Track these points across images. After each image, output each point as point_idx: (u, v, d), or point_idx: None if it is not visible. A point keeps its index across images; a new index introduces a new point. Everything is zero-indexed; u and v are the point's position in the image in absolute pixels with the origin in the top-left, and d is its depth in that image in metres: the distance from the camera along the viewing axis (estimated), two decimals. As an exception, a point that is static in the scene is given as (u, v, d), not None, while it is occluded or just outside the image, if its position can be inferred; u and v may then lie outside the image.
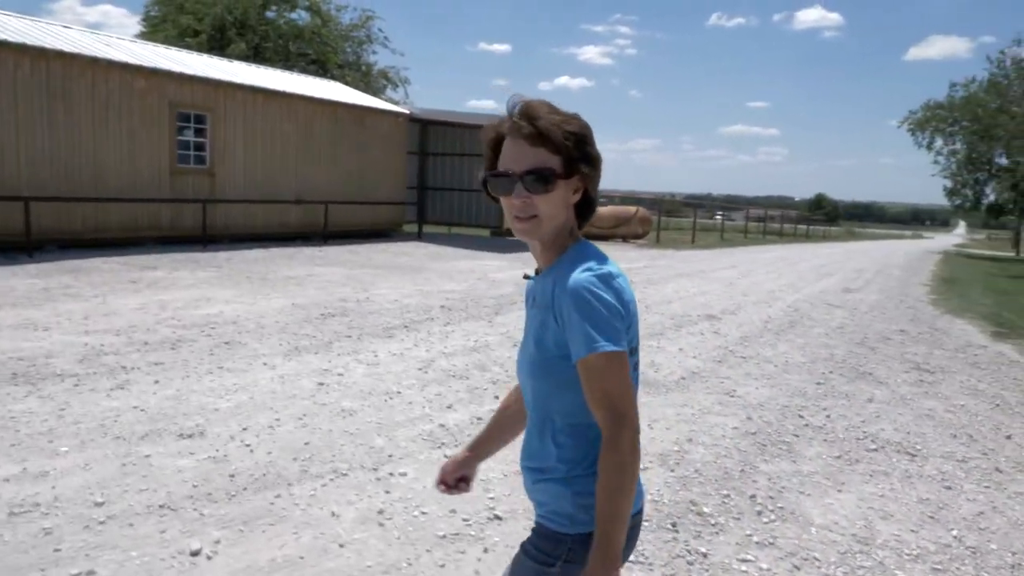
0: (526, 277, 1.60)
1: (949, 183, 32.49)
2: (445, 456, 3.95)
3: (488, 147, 1.50)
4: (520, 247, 18.47)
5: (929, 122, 31.41)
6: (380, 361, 6.06)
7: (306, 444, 4.08)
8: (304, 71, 22.52)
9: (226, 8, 24.45)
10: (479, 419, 4.66)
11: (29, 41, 11.21)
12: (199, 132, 13.82)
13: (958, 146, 31.60)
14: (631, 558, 1.29)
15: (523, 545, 1.52)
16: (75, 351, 5.96)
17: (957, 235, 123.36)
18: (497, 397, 5.20)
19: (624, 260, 16.92)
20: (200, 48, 21.51)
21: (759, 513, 3.49)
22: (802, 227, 47.86)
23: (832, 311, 10.22)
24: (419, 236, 20.01)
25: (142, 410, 4.52)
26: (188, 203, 13.54)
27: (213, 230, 14.00)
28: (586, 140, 1.44)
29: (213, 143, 13.99)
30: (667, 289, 11.79)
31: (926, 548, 3.23)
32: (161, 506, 3.25)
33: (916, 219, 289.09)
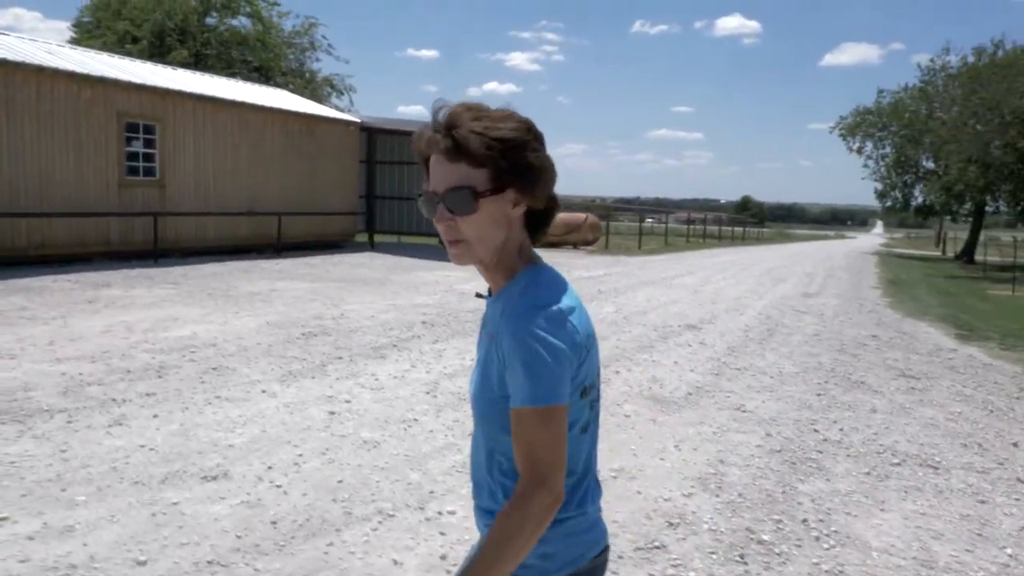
0: (478, 296, 1.44)
1: (879, 185, 33.88)
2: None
3: (422, 162, 1.32)
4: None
5: (859, 127, 32.72)
6: (383, 385, 5.88)
7: (340, 482, 3.89)
8: (247, 79, 21.86)
9: (166, 14, 23.49)
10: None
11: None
12: (148, 143, 13.24)
13: (887, 150, 33.01)
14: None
15: None
16: (54, 382, 5.59)
17: (876, 234, 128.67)
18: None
19: (582, 268, 17.02)
20: (141, 55, 20.58)
21: (817, 539, 3.49)
22: (738, 229, 49.17)
23: (802, 317, 10.46)
24: (372, 247, 19.68)
25: (151, 449, 4.24)
26: (138, 216, 12.95)
27: (164, 244, 13.44)
28: (518, 146, 1.24)
29: (162, 154, 13.44)
30: (638, 298, 11.87)
31: (988, 569, 3.28)
32: (210, 562, 3.03)
33: (836, 219, 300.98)
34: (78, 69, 12.00)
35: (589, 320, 1.32)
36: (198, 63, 22.70)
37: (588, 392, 1.31)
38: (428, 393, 5.69)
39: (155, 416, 4.85)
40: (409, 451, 4.42)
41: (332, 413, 5.07)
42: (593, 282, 14.04)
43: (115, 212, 12.57)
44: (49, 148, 11.54)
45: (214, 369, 6.17)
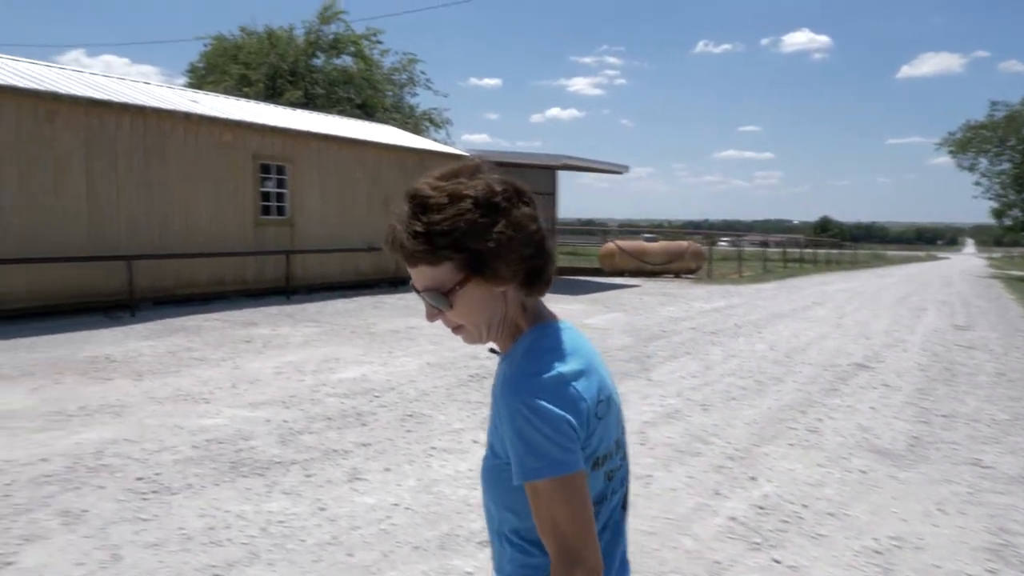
0: (492, 351, 1.33)
1: (995, 204, 32.27)
2: None
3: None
4: (582, 289, 18.21)
5: (971, 142, 31.30)
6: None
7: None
8: (350, 115, 22.47)
9: (280, 57, 24.41)
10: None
11: (127, 100, 11.05)
12: (279, 183, 13.62)
13: (1005, 166, 31.38)
14: None
15: None
16: (264, 429, 5.65)
17: (970, 253, 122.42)
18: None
19: (700, 299, 16.64)
20: (257, 97, 21.45)
21: None
22: (832, 252, 47.56)
23: (972, 354, 9.88)
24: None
25: (407, 508, 4.18)
26: (271, 255, 13.28)
27: (293, 280, 13.74)
28: (466, 233, 1.15)
29: (292, 193, 13.80)
30: (783, 332, 11.46)
31: None
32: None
33: (921, 239, 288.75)
34: (219, 114, 12.46)
35: (605, 381, 1.24)
36: (308, 103, 23.51)
37: (602, 463, 1.22)
38: (643, 444, 5.51)
39: (387, 470, 4.81)
40: (667, 513, 4.23)
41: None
42: (721, 315, 13.67)
43: (252, 251, 12.92)
44: (194, 191, 11.97)
45: (410, 416, 6.14)
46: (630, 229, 55.08)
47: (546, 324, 1.27)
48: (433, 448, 5.28)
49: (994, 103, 31.48)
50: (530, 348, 1.22)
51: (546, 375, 1.16)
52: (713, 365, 8.69)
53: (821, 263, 39.52)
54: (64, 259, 10.00)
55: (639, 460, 5.17)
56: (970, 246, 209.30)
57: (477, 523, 4.00)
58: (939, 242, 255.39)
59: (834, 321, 13.24)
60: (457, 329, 1.26)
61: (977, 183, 33.31)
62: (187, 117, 11.67)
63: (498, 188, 1.20)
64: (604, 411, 1.22)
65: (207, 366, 8.01)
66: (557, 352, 1.20)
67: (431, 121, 29.25)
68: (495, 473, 1.23)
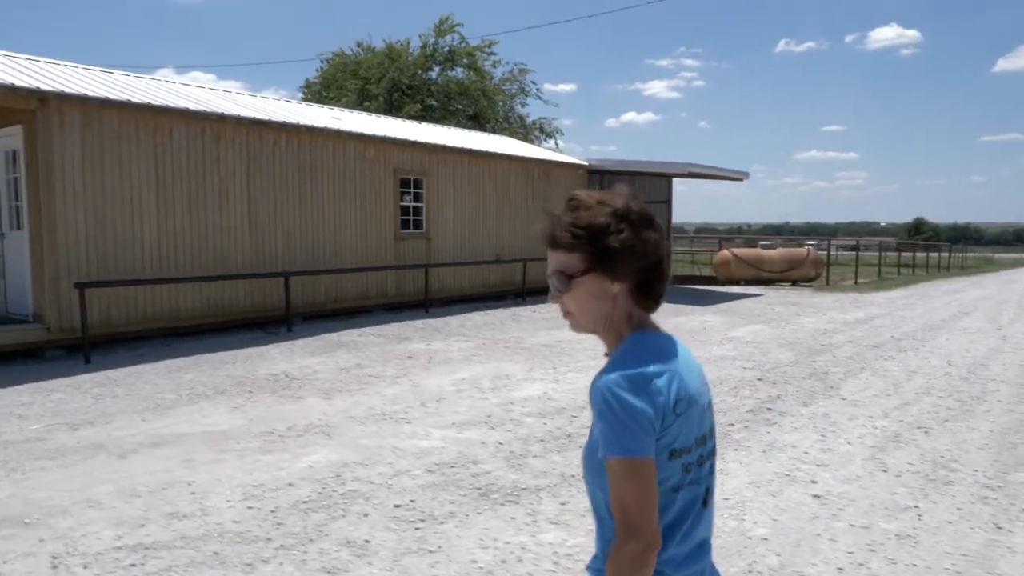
0: (606, 355, 1.52)
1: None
2: None
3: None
4: (707, 299, 17.70)
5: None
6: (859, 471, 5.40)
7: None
8: (464, 127, 22.63)
9: (400, 71, 24.82)
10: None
11: (284, 119, 11.32)
12: (416, 197, 13.73)
13: None
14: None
15: None
16: (484, 452, 5.57)
17: None
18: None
19: (833, 309, 15.94)
20: (378, 111, 21.87)
21: None
22: (942, 256, 45.23)
23: None
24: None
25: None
26: (409, 269, 13.38)
27: (429, 293, 13.81)
28: (600, 232, 1.40)
29: (428, 207, 13.88)
30: (949, 346, 10.81)
31: None
32: None
33: (1019, 239, 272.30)
34: (365, 131, 12.64)
35: (688, 385, 1.40)
36: (424, 115, 23.81)
37: (679, 455, 1.39)
38: (885, 471, 5.15)
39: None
40: (959, 548, 3.89)
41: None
42: (869, 327, 13.02)
43: (393, 265, 13.05)
44: (342, 207, 12.16)
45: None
46: (706, 236, 54.07)
47: (645, 332, 1.46)
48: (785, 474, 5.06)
49: None
50: (628, 349, 1.42)
51: (632, 371, 1.35)
52: (900, 383, 8.21)
53: (932, 268, 37.61)
54: (231, 276, 10.28)
55: (891, 488, 4.84)
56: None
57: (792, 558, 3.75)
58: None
59: (995, 333, 12.44)
60: (567, 315, 1.49)
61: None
62: (337, 134, 11.88)
63: (635, 207, 1.44)
64: (684, 408, 1.39)
65: (384, 383, 8.03)
66: (648, 354, 1.39)
67: (542, 130, 29.27)
68: (592, 458, 1.42)
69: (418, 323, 12.29)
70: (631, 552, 1.30)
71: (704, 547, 1.47)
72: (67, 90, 8.61)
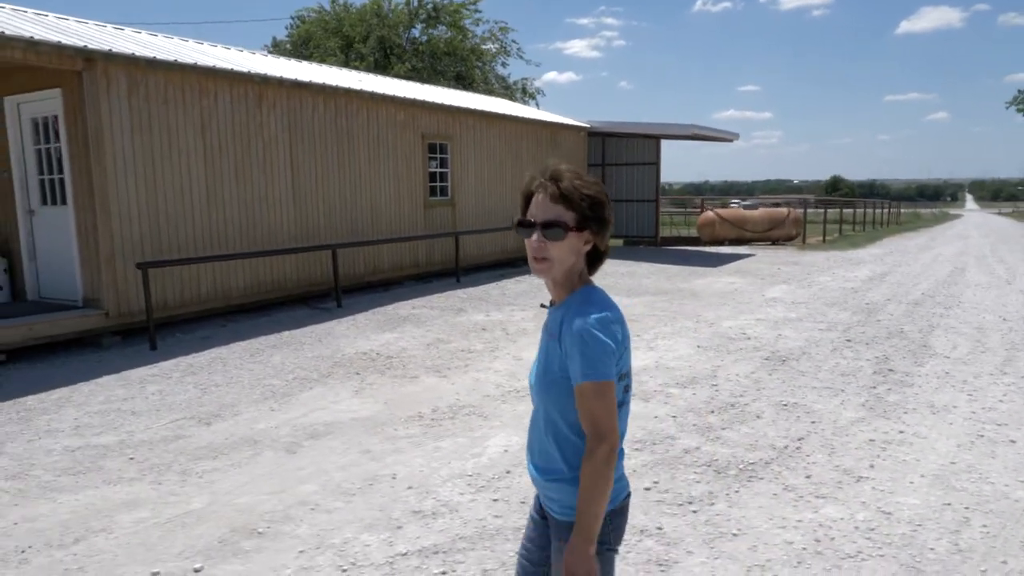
0: (542, 306, 1.96)
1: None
2: None
3: (523, 198, 1.83)
4: (709, 260, 17.83)
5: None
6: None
7: None
8: (450, 87, 21.86)
9: (390, 28, 23.54)
10: None
11: (324, 81, 10.62)
12: (442, 163, 13.22)
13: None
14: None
15: (554, 546, 1.88)
16: (668, 426, 5.38)
17: (972, 209, 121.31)
18: None
19: (835, 267, 16.33)
20: (368, 71, 20.82)
21: None
22: (874, 212, 46.98)
23: None
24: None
25: None
26: (440, 237, 12.92)
27: (453, 262, 13.40)
28: (600, 204, 1.77)
29: (453, 173, 13.40)
30: (985, 301, 11.20)
31: None
32: None
33: (923, 195, 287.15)
34: (395, 92, 12.02)
35: (626, 326, 1.81)
36: (413, 75, 22.78)
37: (624, 378, 1.78)
38: (1101, 430, 5.25)
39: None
40: None
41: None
42: (887, 284, 13.37)
43: (426, 235, 12.57)
44: (376, 174, 11.58)
45: (788, 405, 5.88)
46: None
47: (592, 286, 1.83)
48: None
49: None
50: (586, 299, 1.77)
51: (600, 315, 1.72)
52: (980, 340, 8.41)
53: (870, 225, 39.07)
54: (282, 251, 9.66)
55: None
56: (970, 202, 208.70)
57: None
58: (950, 198, 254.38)
59: (1007, 286, 12.95)
60: (542, 261, 1.77)
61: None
62: (371, 97, 11.22)
63: (607, 193, 1.83)
64: (627, 344, 1.80)
65: (485, 358, 7.74)
66: (603, 302, 1.77)
67: (524, 91, 28.53)
68: (556, 384, 1.76)
69: (459, 292, 11.92)
70: (603, 452, 1.66)
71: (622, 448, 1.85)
72: (115, 49, 7.76)
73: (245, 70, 9.23)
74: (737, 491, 4.31)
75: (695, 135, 17.10)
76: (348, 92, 10.79)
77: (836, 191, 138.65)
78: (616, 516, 1.84)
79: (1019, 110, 31.37)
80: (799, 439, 5.18)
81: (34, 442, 5.42)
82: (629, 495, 1.92)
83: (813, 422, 5.55)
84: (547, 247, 1.74)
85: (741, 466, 4.68)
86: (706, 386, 6.58)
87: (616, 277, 14.01)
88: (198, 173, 8.80)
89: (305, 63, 13.03)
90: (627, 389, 1.82)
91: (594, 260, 1.85)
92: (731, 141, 19.20)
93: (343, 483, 4.57)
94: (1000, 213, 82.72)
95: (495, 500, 4.25)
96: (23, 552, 3.76)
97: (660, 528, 3.85)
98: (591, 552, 1.69)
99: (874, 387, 6.49)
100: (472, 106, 13.96)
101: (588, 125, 17.78)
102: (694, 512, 4.04)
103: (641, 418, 5.66)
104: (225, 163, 9.12)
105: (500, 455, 4.98)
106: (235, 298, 9.38)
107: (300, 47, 24.63)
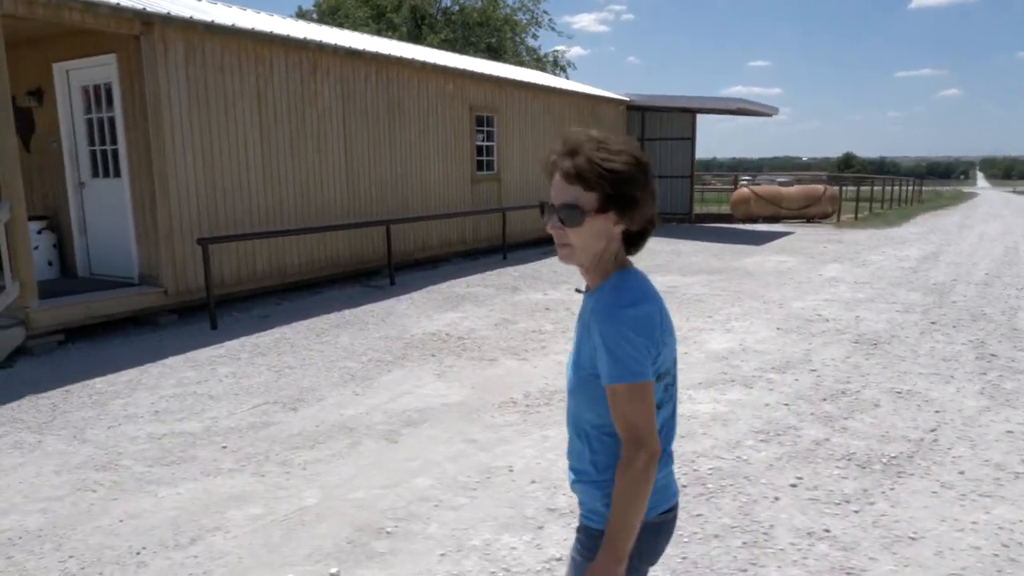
0: (577, 291, 1.72)
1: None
2: None
3: (548, 177, 1.58)
4: (751, 239, 17.44)
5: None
6: None
7: None
8: (483, 58, 21.28)
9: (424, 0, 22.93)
10: None
11: (377, 49, 10.21)
12: (488, 136, 12.81)
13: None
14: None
15: (573, 546, 1.70)
16: (784, 415, 5.06)
17: (984, 187, 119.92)
18: None
19: (883, 245, 15.90)
20: (401, 41, 20.26)
21: None
22: (901, 190, 46.32)
23: None
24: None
25: None
26: (487, 213, 12.55)
27: (499, 239, 13.04)
28: (626, 179, 1.49)
29: (499, 146, 12.99)
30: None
31: None
32: None
33: (932, 173, 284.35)
34: (447, 63, 11.59)
35: (667, 317, 1.59)
36: (445, 47, 22.17)
37: (663, 378, 1.59)
38: None
39: None
40: None
41: None
42: (947, 265, 12.98)
43: (474, 210, 12.20)
44: (426, 147, 11.20)
45: (902, 390, 5.55)
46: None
47: (630, 271, 1.59)
48: None
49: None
50: (617, 287, 1.55)
51: (632, 308, 1.50)
52: (1075, 321, 8.05)
53: (902, 203, 38.48)
54: (338, 227, 9.33)
55: None
56: (981, 179, 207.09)
57: None
58: (964, 176, 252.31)
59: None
60: (564, 247, 1.55)
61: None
62: (423, 67, 10.79)
63: (644, 159, 1.54)
64: (667, 339, 1.57)
65: (560, 340, 7.42)
66: (638, 291, 1.54)
67: (555, 63, 27.86)
68: (584, 382, 1.57)
69: (509, 271, 11.58)
70: (642, 460, 1.46)
71: (670, 454, 1.67)
72: (173, 12, 7.37)
73: (301, 36, 8.82)
74: (892, 488, 3.99)
75: (740, 109, 16.63)
76: (400, 61, 10.37)
77: (849, 168, 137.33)
78: (648, 531, 1.59)
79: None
80: (931, 430, 4.85)
81: (115, 428, 5.14)
82: (672, 510, 1.67)
83: (937, 412, 5.22)
84: (566, 232, 1.53)
85: (884, 460, 4.36)
86: (804, 371, 6.26)
87: (662, 256, 13.65)
88: (254, 145, 8.44)
89: (347, 31, 12.57)
90: (667, 388, 1.62)
91: (634, 240, 1.60)
92: (770, 116, 18.70)
93: (458, 476, 4.27)
94: (1016, 191, 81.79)
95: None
96: (138, 554, 3.48)
97: (828, 531, 3.54)
98: (618, 571, 1.51)
99: (984, 373, 6.15)
100: (517, 77, 13.51)
101: (627, 98, 17.30)
102: (856, 512, 3.73)
103: (751, 406, 5.36)
104: (280, 135, 8.76)
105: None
106: (290, 275, 9.06)
107: (327, 17, 24.02)
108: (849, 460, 4.37)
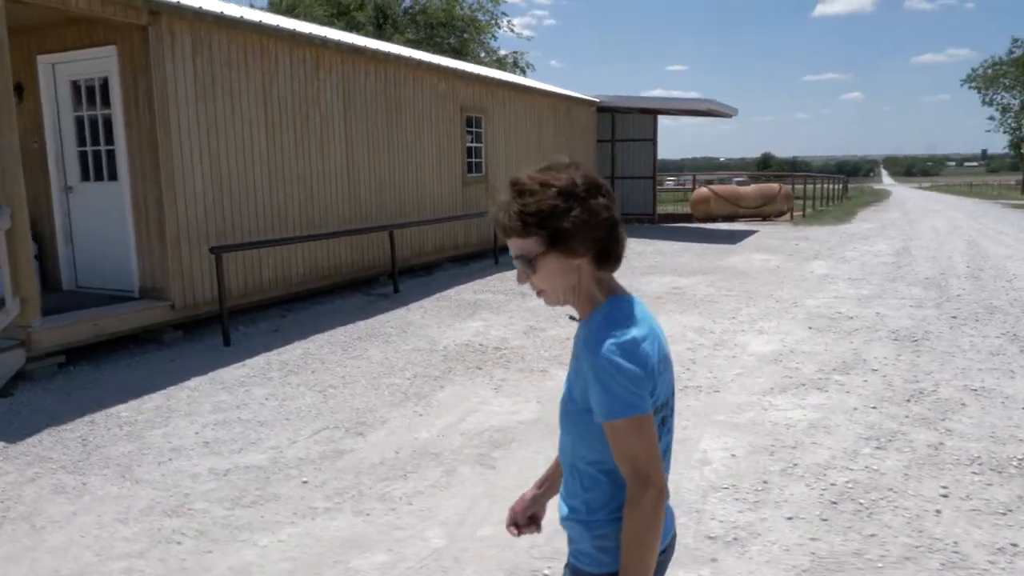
0: (571, 319, 1.61)
1: (1009, 136, 33.15)
2: None
3: None
4: (723, 238, 17.56)
5: (997, 79, 31.83)
6: None
7: None
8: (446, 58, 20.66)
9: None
10: None
11: (378, 47, 9.71)
12: (476, 137, 12.42)
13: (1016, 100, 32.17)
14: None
15: None
16: (870, 418, 4.93)
17: (890, 184, 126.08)
18: None
19: (851, 242, 16.27)
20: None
21: None
22: (828, 188, 47.90)
23: None
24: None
25: None
26: (475, 218, 12.16)
27: (490, 243, 12.68)
28: (550, 215, 1.41)
29: (487, 148, 12.63)
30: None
31: None
32: None
33: (841, 171, 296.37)
34: (441, 62, 11.16)
35: (663, 345, 1.50)
36: (412, 47, 21.40)
37: (660, 410, 1.48)
38: None
39: None
40: None
41: None
42: (922, 260, 13.32)
43: (469, 214, 11.80)
44: (421, 149, 10.75)
45: (978, 388, 5.51)
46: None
47: (619, 297, 1.50)
48: None
49: (1016, 40, 32.00)
50: (607, 316, 1.45)
51: (624, 338, 1.39)
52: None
53: (832, 201, 39.84)
54: (344, 233, 8.81)
55: None
56: (886, 176, 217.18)
57: None
58: (872, 173, 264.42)
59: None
60: (541, 293, 1.51)
61: (991, 118, 34.02)
62: (418, 65, 10.34)
63: (579, 181, 1.43)
64: (663, 368, 1.48)
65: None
66: (630, 320, 1.44)
67: (515, 64, 27.49)
68: (576, 416, 1.49)
69: (507, 275, 11.23)
70: (650, 498, 1.38)
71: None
72: (184, 1, 6.73)
73: (306, 31, 8.28)
74: (1045, 496, 3.87)
75: (709, 111, 16.74)
76: (398, 60, 9.92)
77: (767, 167, 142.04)
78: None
79: (972, 87, 32.24)
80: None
81: (166, 464, 4.59)
82: (666, 550, 1.57)
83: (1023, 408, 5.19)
84: (532, 280, 1.48)
85: (1015, 464, 4.26)
86: (866, 371, 6.17)
87: (648, 256, 13.56)
88: (260, 145, 7.86)
89: (345, 31, 11.98)
90: (665, 421, 1.51)
91: (604, 260, 1.47)
92: (731, 116, 18.95)
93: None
94: (920, 187, 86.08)
95: (789, 518, 3.70)
96: (274, 614, 3.02)
97: (1015, 544, 3.38)
98: None
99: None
100: (502, 78, 13.19)
101: (598, 100, 17.19)
102: (1028, 523, 3.58)
103: (839, 411, 5.21)
104: (286, 134, 8.20)
105: (732, 460, 4.43)
106: (295, 285, 8.50)
107: (285, 15, 22.82)
108: (981, 465, 4.25)
